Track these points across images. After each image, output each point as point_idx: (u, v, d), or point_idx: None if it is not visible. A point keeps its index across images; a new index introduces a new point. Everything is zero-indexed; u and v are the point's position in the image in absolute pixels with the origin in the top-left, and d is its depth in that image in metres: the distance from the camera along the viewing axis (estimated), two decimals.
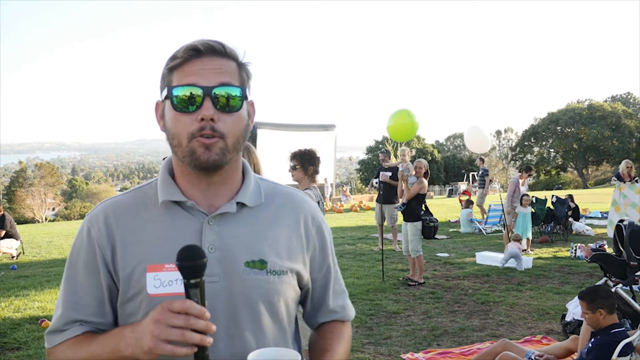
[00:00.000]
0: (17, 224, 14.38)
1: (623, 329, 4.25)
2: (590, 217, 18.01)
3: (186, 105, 1.28)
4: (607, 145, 61.58)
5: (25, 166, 66.32)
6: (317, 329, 1.57)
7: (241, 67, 1.37)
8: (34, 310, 7.27)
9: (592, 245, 10.34)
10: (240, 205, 1.40)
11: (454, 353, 5.40)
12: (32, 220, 43.29)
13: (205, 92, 1.28)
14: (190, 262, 1.15)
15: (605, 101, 70.69)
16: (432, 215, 9.03)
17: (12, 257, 12.24)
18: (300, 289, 1.49)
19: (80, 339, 1.34)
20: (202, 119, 1.27)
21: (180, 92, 1.28)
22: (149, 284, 1.29)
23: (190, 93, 1.27)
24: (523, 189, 12.21)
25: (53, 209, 56.53)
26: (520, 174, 12.61)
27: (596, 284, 6.21)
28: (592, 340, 4.18)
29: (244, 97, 1.34)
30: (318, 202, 5.51)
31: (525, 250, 11.28)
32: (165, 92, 1.32)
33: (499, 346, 4.82)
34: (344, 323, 1.59)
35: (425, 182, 8.64)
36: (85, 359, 1.30)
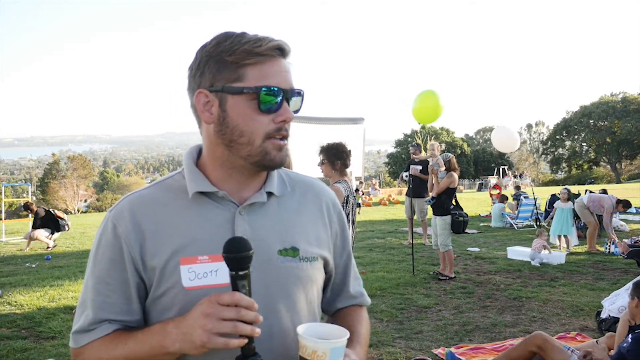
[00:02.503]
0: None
1: None
2: (625, 213, 17.65)
3: (270, 106, 1.29)
4: None
5: (58, 158, 67.71)
6: (335, 314, 1.58)
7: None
8: (68, 300, 7.39)
9: (627, 241, 10.14)
10: (268, 194, 1.41)
11: (486, 349, 5.33)
12: (65, 212, 43.99)
13: (285, 95, 1.30)
14: (238, 254, 1.16)
15: None
16: (462, 209, 8.94)
17: (48, 247, 12.47)
18: (325, 274, 1.51)
19: (113, 337, 1.30)
20: (282, 121, 1.30)
21: (268, 93, 1.28)
22: (184, 277, 1.27)
23: (276, 94, 1.29)
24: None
25: (85, 201, 57.63)
26: (617, 204, 11.41)
27: (634, 280, 6.10)
28: (630, 335, 4.09)
29: (302, 99, 1.38)
30: (347, 196, 5.47)
31: (565, 247, 11.11)
32: (237, 87, 1.28)
33: (534, 338, 4.73)
34: (362, 307, 1.61)
35: (455, 176, 8.55)
36: (120, 357, 1.27)
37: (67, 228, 13.11)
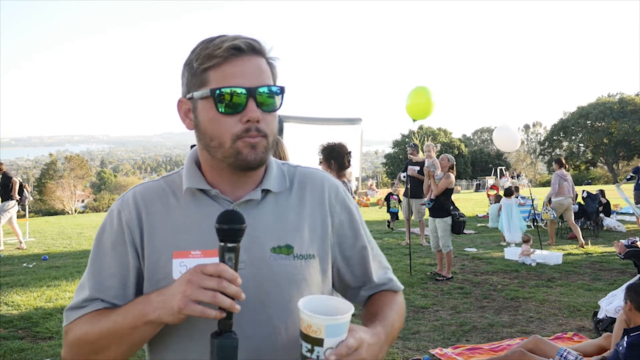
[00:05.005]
0: (48, 215, 14.55)
1: None
2: (622, 213, 17.71)
3: (231, 107, 1.27)
4: (639, 140, 60.39)
5: (55, 159, 67.58)
6: (367, 301, 1.54)
7: (270, 63, 1.36)
8: (65, 300, 7.37)
9: (624, 241, 10.14)
10: (265, 191, 1.40)
11: (483, 349, 5.34)
12: (62, 212, 44.02)
13: (250, 93, 1.27)
14: (231, 225, 1.16)
15: (637, 95, 69.20)
16: (458, 210, 8.93)
17: (17, 247, 12.40)
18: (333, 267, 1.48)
19: (100, 312, 1.33)
20: (248, 121, 1.27)
21: (226, 94, 1.26)
22: (175, 270, 1.29)
23: (236, 94, 1.26)
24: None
25: (82, 201, 57.55)
26: (555, 164, 12.20)
27: (630, 281, 6.11)
28: (625, 339, 4.08)
29: (282, 95, 1.33)
30: None
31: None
32: (201, 92, 1.29)
33: (530, 342, 4.75)
34: (395, 292, 1.57)
35: (453, 176, 8.55)
36: (104, 330, 1.28)
37: (22, 196, 12.04)
